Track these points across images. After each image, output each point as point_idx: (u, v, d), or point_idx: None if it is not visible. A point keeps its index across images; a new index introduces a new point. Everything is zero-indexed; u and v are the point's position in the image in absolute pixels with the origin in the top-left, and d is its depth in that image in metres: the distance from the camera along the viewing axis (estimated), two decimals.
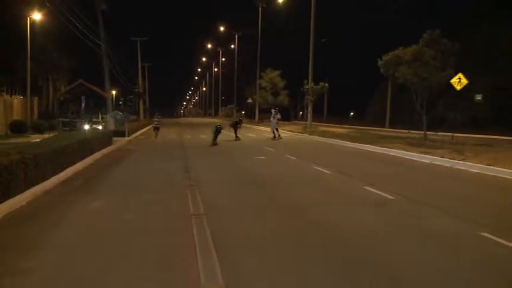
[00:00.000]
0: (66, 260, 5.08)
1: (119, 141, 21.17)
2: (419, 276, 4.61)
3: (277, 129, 25.15)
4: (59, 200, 8.25)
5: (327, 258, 5.06)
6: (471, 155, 14.18)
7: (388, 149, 17.77)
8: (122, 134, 23.66)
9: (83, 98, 31.73)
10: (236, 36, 60.96)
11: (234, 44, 62.68)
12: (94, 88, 41.93)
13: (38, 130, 26.48)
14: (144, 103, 63.66)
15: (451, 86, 20.73)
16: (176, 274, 4.61)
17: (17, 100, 29.72)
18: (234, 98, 67.07)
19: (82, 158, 13.12)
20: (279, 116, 25.86)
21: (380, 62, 22.27)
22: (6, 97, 28.09)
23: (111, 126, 24.69)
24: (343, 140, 22.81)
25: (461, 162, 13.29)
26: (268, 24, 49.48)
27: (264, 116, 49.86)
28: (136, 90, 56.15)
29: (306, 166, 13.59)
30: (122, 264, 4.89)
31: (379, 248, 5.46)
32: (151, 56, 75.73)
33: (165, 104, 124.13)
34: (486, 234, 5.90)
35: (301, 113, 56.15)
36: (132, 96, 60.05)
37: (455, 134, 21.55)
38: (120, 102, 58.91)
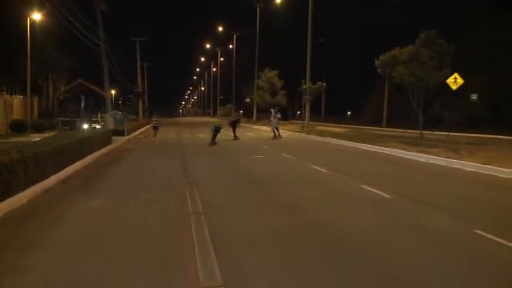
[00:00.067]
0: (66, 258, 5.12)
1: (118, 141, 21.27)
2: (416, 274, 4.64)
3: (277, 129, 25.32)
4: (59, 199, 8.32)
5: (325, 257, 5.09)
6: (466, 154, 14.21)
7: (384, 148, 17.85)
8: (121, 133, 23.80)
9: (82, 97, 31.79)
10: (234, 36, 61.14)
11: (233, 44, 62.83)
12: (93, 88, 41.97)
13: (38, 129, 26.59)
14: (143, 103, 63.64)
15: (447, 86, 20.86)
16: (175, 273, 4.64)
17: (17, 99, 29.77)
18: (233, 98, 67.25)
19: (82, 157, 13.21)
20: (279, 115, 26.03)
21: (377, 62, 22.35)
22: (7, 96, 28.13)
23: (111, 126, 24.80)
24: (340, 139, 22.90)
25: (456, 161, 13.37)
26: (266, 24, 49.64)
27: (262, 115, 49.94)
28: (136, 90, 56.15)
29: (304, 165, 13.65)
30: (121, 263, 4.93)
31: (376, 247, 5.50)
32: (150, 56, 76.10)
33: (164, 103, 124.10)
34: (481, 232, 5.96)
35: (298, 112, 56.32)
36: (131, 96, 60.09)
37: (451, 133, 21.71)
38: (120, 102, 58.99)
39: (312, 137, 26.71)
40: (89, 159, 13.91)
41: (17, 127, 25.91)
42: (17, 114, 28.42)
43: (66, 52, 42.21)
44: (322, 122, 45.02)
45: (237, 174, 12.00)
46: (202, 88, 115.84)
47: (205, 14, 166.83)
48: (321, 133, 27.14)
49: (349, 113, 63.11)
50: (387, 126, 40.02)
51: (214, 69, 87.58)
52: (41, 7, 28.55)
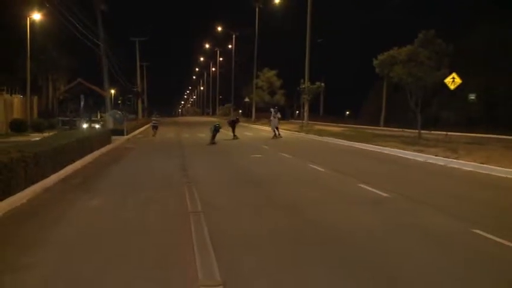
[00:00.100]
0: (66, 257, 5.14)
1: (118, 140, 21.33)
2: (416, 274, 4.64)
3: (277, 128, 25.37)
4: (59, 198, 8.36)
5: (324, 257, 5.10)
6: (464, 153, 14.23)
7: (383, 147, 17.91)
8: (120, 133, 23.85)
9: (82, 97, 31.80)
10: (233, 36, 61.26)
11: (232, 44, 62.93)
12: (93, 87, 42.01)
13: (38, 129, 26.69)
14: (143, 102, 63.72)
15: (445, 86, 20.92)
16: (174, 272, 4.64)
17: (17, 99, 29.83)
18: (232, 97, 67.31)
19: (81, 156, 13.26)
20: (279, 115, 26.10)
21: (375, 62, 22.44)
22: (7, 96, 28.20)
23: (110, 125, 24.88)
24: (338, 138, 22.97)
25: (455, 160, 13.39)
26: (265, 24, 49.82)
27: (260, 114, 50.04)
28: (135, 89, 56.22)
29: (303, 164, 13.71)
30: (120, 262, 4.94)
31: (375, 247, 5.49)
32: (150, 55, 76.17)
33: (163, 103, 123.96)
34: (480, 232, 5.97)
35: (297, 112, 56.35)
36: (130, 96, 60.18)
37: (449, 133, 21.76)
38: (119, 102, 59.04)
39: (311, 136, 26.76)
40: (88, 158, 13.97)
41: (17, 127, 25.99)
42: (17, 114, 28.49)
43: (66, 52, 42.35)
44: (320, 122, 45.07)
45: (236, 173, 12.04)
46: (202, 88, 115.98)
47: (204, 14, 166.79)
48: (320, 132, 27.20)
49: (347, 112, 63.28)
50: (385, 125, 40.12)
51: (214, 69, 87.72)
52: (41, 7, 28.62)
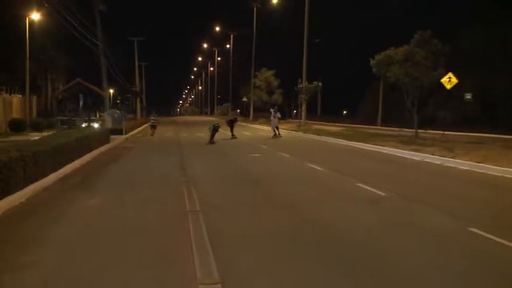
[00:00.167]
0: (65, 256, 5.15)
1: (116, 139, 21.37)
2: (413, 273, 4.67)
3: (277, 128, 25.44)
4: (58, 197, 8.38)
5: (321, 256, 5.12)
6: (461, 152, 14.35)
7: (380, 146, 18.02)
8: (119, 132, 23.89)
9: (80, 96, 31.88)
10: (231, 36, 61.46)
11: (230, 44, 63.16)
12: (92, 87, 42.06)
13: (37, 128, 26.76)
14: (141, 102, 63.74)
15: (442, 85, 21.03)
16: (173, 271, 4.66)
17: (16, 99, 29.82)
18: (230, 97, 67.41)
19: (80, 155, 13.29)
20: (279, 115, 26.18)
21: (372, 62, 22.55)
22: (6, 96, 28.19)
23: (109, 125, 24.92)
24: (336, 138, 23.09)
25: (451, 159, 13.49)
26: (263, 24, 50.02)
27: (258, 114, 50.22)
28: (134, 89, 56.25)
29: (300, 164, 13.76)
30: (119, 261, 4.95)
31: (373, 245, 5.52)
32: (148, 55, 76.19)
33: (162, 103, 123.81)
34: (476, 230, 6.02)
35: (295, 111, 56.49)
36: (129, 95, 60.22)
37: (446, 132, 21.87)
38: (118, 101, 59.06)
39: (309, 135, 26.85)
40: (87, 157, 14.00)
41: (16, 126, 26.03)
42: (16, 113, 28.50)
43: (65, 52, 42.48)
44: (318, 121, 45.22)
45: (234, 173, 12.10)
46: (200, 87, 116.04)
47: (203, 14, 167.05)
48: (318, 132, 27.31)
49: (344, 112, 63.43)
50: (382, 125, 40.19)
51: (212, 69, 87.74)
52: (40, 7, 28.63)
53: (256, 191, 9.27)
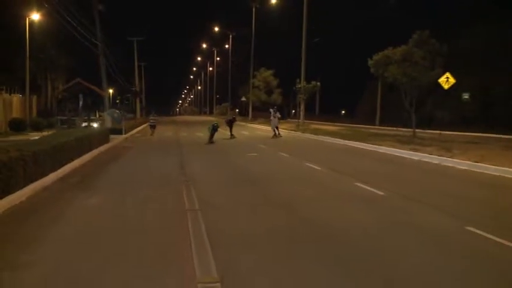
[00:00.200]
0: (65, 255, 5.16)
1: (116, 139, 21.41)
2: (411, 272, 4.68)
3: (277, 128, 25.51)
4: (58, 197, 8.40)
5: (319, 255, 5.14)
6: (459, 152, 14.39)
7: (378, 146, 18.09)
8: (118, 132, 23.95)
9: (80, 96, 31.90)
10: (230, 36, 61.52)
11: (229, 44, 63.15)
12: (91, 87, 42.12)
13: (37, 128, 26.80)
14: (141, 102, 63.84)
15: (439, 85, 21.12)
16: (172, 270, 4.69)
17: (16, 98, 29.84)
18: (229, 97, 67.47)
19: (80, 155, 13.31)
20: (279, 114, 26.23)
21: (370, 62, 22.63)
22: (6, 95, 28.21)
23: (109, 124, 25.00)
24: (334, 137, 23.14)
25: (449, 159, 13.55)
26: (262, 24, 50.11)
27: (257, 114, 50.31)
28: (133, 89, 56.33)
29: (299, 163, 13.82)
30: (119, 260, 4.97)
31: (370, 245, 5.54)
32: (148, 55, 76.14)
33: (161, 103, 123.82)
34: (473, 229, 6.06)
35: (293, 111, 56.67)
36: (129, 95, 60.31)
37: (443, 132, 21.96)
38: (117, 101, 59.07)
39: (307, 135, 26.91)
40: (87, 157, 14.04)
41: (16, 126, 26.05)
42: (16, 113, 28.52)
43: (65, 52, 42.59)
44: (316, 121, 45.28)
45: (233, 172, 12.14)
46: (199, 87, 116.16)
47: (202, 14, 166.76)
48: (316, 131, 27.38)
49: (343, 111, 63.60)
50: (380, 124, 40.31)
51: (211, 69, 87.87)
52: (39, 7, 28.69)
53: (254, 190, 9.31)
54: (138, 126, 34.45)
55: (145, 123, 38.14)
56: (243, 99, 59.26)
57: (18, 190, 7.95)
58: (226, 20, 68.49)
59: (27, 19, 29.41)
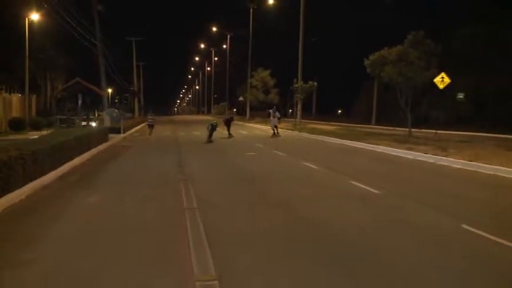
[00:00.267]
0: (65, 254, 5.19)
1: (115, 138, 21.54)
2: (408, 271, 4.70)
3: (276, 127, 25.59)
4: (57, 195, 8.45)
5: (316, 254, 5.16)
6: (454, 151, 14.53)
7: (374, 145, 18.20)
8: (117, 131, 24.07)
9: (79, 95, 31.98)
10: (228, 36, 61.62)
11: (226, 44, 63.35)
12: (90, 86, 42.36)
13: (36, 127, 26.92)
14: (139, 101, 63.92)
15: (435, 85, 21.26)
16: (171, 268, 4.73)
17: (15, 98, 29.88)
18: (226, 96, 67.62)
19: (79, 154, 13.42)
20: (278, 114, 26.31)
21: (366, 62, 22.74)
22: (5, 95, 28.25)
23: (107, 123, 25.08)
24: (331, 136, 23.29)
25: (444, 158, 13.66)
26: (260, 25, 50.28)
27: (255, 113, 50.40)
28: (132, 88, 56.43)
29: (296, 162, 13.87)
30: (118, 258, 5.00)
31: (367, 243, 5.56)
32: (146, 55, 76.22)
33: (159, 102, 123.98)
34: (468, 227, 6.12)
35: (290, 110, 56.77)
36: (127, 95, 60.52)
37: (439, 131, 22.10)
38: (116, 100, 59.26)
39: (304, 134, 27.02)
40: (86, 156, 14.13)
41: (16, 125, 26.16)
42: (15, 112, 28.58)
43: (64, 51, 42.72)
44: (313, 120, 45.46)
45: (231, 171, 12.22)
46: (197, 87, 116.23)
47: (200, 15, 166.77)
48: (313, 131, 27.50)
49: (339, 111, 63.79)
50: (376, 124, 40.45)
51: (209, 69, 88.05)
52: (39, 7, 28.75)
53: (252, 189, 9.36)
54: (136, 126, 34.56)
55: (143, 122, 38.15)
56: (241, 98, 59.44)
57: (17, 189, 8.00)
58: (225, 20, 68.95)
59: (26, 19, 29.49)
